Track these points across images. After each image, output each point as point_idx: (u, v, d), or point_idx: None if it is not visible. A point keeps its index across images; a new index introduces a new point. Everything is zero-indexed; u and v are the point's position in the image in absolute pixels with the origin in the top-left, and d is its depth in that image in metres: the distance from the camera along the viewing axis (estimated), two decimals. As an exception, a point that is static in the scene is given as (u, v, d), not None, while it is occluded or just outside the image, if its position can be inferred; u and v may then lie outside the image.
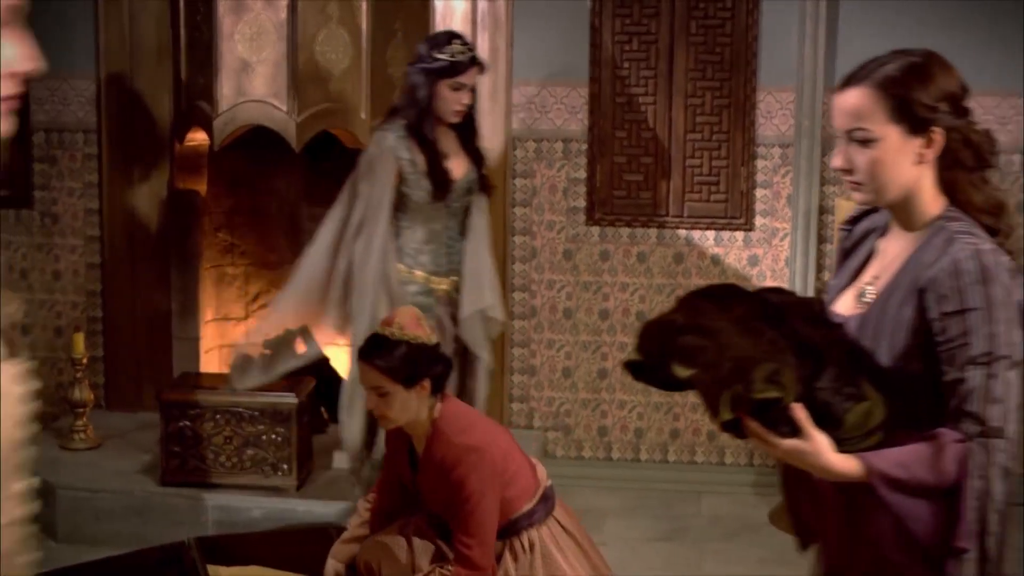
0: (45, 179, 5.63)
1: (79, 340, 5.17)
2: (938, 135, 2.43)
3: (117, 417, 5.56)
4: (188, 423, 4.74)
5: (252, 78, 4.78)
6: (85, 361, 5.20)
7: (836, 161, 2.48)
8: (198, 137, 5.19)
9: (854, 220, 2.71)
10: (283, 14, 4.73)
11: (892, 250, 2.55)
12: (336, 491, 4.78)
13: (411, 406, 3.48)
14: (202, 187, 5.41)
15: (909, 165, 2.45)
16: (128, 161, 5.48)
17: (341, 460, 4.88)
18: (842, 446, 2.37)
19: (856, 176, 2.47)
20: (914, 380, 2.44)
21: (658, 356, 2.41)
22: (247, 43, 4.76)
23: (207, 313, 5.50)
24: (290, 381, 4.83)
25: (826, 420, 2.36)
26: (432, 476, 3.52)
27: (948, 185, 2.50)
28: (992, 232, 2.48)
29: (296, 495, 4.77)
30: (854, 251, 2.67)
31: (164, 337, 5.52)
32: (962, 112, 2.47)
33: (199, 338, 5.48)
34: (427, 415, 3.52)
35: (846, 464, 2.36)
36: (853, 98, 2.44)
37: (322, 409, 5.22)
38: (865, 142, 2.43)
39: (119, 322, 5.63)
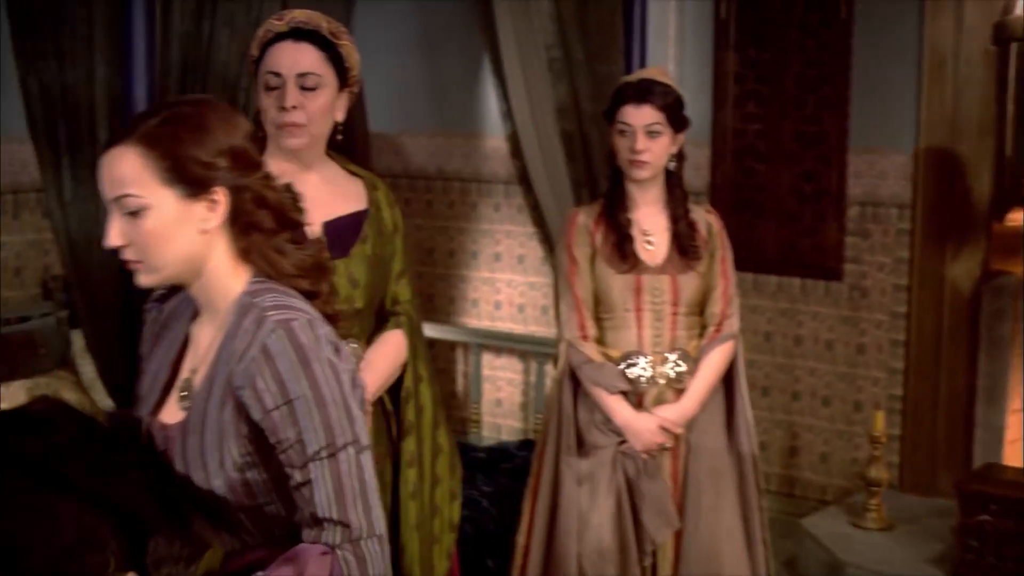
0: (856, 252, 5.62)
1: (879, 418, 5.09)
2: (221, 196, 2.05)
3: (910, 500, 5.40)
4: (988, 517, 4.49)
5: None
6: (883, 439, 5.11)
7: (111, 239, 2.05)
8: (1018, 217, 4.94)
9: (163, 298, 2.28)
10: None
11: (205, 336, 2.14)
12: None
13: None
14: (1019, 269, 5.14)
15: (193, 235, 2.05)
16: (941, 238, 5.33)
17: None
18: None
19: (132, 253, 2.05)
20: (270, 491, 2.05)
21: None
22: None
23: (1014, 402, 5.20)
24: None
25: None
26: None
27: (249, 253, 2.10)
28: (312, 296, 2.11)
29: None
30: (162, 337, 2.23)
31: (965, 423, 5.30)
32: (250, 168, 2.08)
33: (1003, 427, 5.20)
34: None
35: None
36: (115, 159, 2.03)
37: None
38: (135, 212, 2.02)
39: (920, 402, 5.47)
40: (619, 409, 3.71)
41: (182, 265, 2.08)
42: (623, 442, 3.73)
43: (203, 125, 2.06)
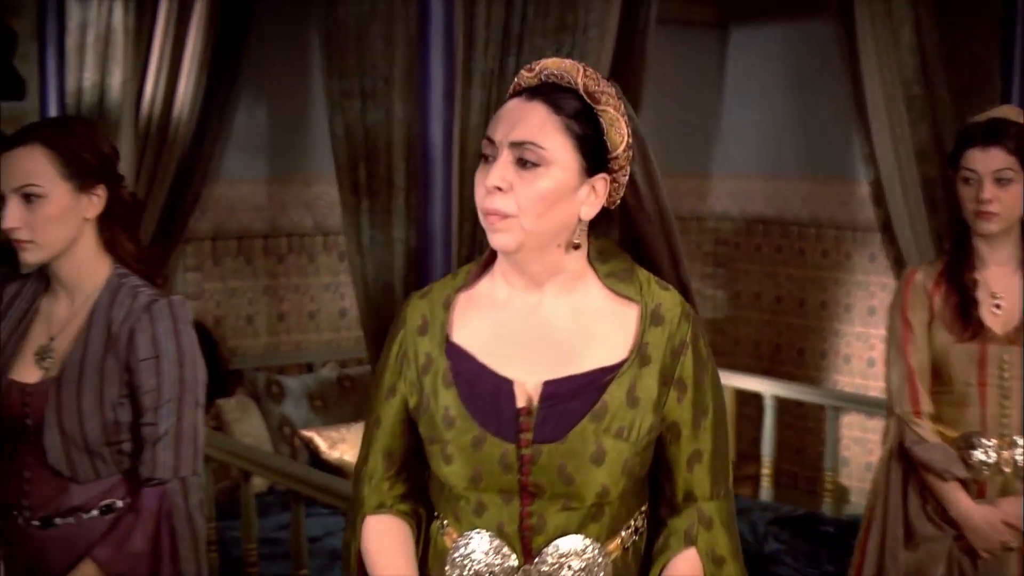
0: None
1: None
2: (101, 193, 2.63)
3: None
4: None
5: None
6: None
7: (8, 222, 2.56)
8: None
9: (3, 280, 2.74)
10: None
11: (63, 311, 2.68)
12: None
13: None
14: None
15: (77, 222, 2.61)
16: None
17: None
18: None
19: (24, 234, 2.56)
20: (128, 429, 2.61)
21: None
22: None
23: None
24: None
25: None
26: None
27: (109, 244, 2.67)
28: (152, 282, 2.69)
29: None
30: (7, 315, 2.71)
31: None
32: (117, 176, 2.68)
33: None
34: None
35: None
36: (25, 156, 2.56)
37: None
38: (34, 198, 2.55)
39: None
40: (956, 499, 3.25)
41: (62, 247, 2.61)
42: (960, 537, 3.27)
43: (89, 133, 2.63)
